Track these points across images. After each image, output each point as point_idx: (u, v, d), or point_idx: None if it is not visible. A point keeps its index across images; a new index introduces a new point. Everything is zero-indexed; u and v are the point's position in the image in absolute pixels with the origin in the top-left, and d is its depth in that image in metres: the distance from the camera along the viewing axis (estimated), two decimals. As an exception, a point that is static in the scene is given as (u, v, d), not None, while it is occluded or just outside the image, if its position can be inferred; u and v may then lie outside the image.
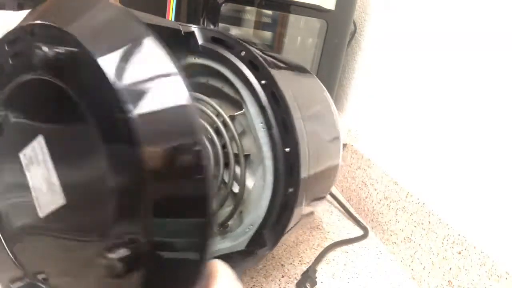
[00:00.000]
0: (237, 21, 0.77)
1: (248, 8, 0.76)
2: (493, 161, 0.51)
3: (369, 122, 0.81)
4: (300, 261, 0.59)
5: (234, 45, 0.42)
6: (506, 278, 0.45)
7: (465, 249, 0.51)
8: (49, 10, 0.29)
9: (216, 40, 0.43)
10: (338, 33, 0.78)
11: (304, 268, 0.56)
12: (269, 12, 0.79)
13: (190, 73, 0.46)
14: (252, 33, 0.81)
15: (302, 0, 0.71)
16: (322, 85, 0.55)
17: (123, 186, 0.23)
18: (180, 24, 0.42)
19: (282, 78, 0.43)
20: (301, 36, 0.84)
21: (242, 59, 0.42)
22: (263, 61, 0.41)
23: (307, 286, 0.52)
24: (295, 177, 0.41)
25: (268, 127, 0.42)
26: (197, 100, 0.45)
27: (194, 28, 0.43)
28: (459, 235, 0.52)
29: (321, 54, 0.79)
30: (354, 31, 0.87)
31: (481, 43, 0.55)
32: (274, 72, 0.42)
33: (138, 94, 0.23)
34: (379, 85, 0.79)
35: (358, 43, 0.88)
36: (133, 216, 0.23)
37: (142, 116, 0.23)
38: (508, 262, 0.46)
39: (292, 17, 0.81)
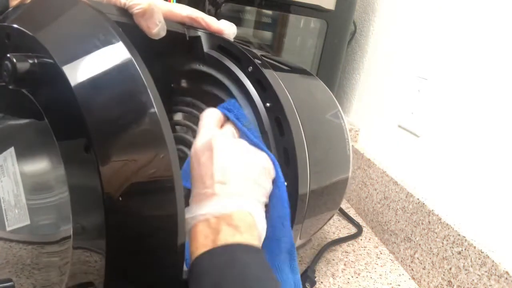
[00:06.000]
0: (237, 21, 0.77)
1: (248, 8, 0.76)
2: (493, 162, 0.51)
3: (369, 122, 0.81)
4: (300, 261, 0.59)
5: (241, 58, 0.39)
6: (506, 278, 0.45)
7: (465, 249, 0.51)
8: (28, 12, 0.28)
9: (223, 49, 0.40)
10: (338, 33, 0.78)
11: (304, 268, 0.56)
12: (269, 12, 0.79)
13: (193, 79, 0.44)
14: (252, 33, 0.81)
15: (302, 0, 0.71)
16: (336, 103, 0.51)
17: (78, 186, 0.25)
18: (186, 27, 0.40)
19: (291, 99, 0.39)
20: (301, 36, 0.84)
21: (248, 76, 0.39)
22: (270, 81, 0.38)
23: (307, 286, 0.52)
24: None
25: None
26: (200, 109, 0.42)
27: (200, 33, 0.41)
28: (459, 235, 0.52)
29: (321, 54, 0.79)
30: (354, 31, 0.87)
31: (480, 44, 0.55)
32: (282, 94, 0.38)
33: (97, 100, 0.24)
34: (379, 85, 0.79)
35: (358, 43, 0.88)
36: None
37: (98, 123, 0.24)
38: (508, 262, 0.46)
39: (292, 17, 0.81)
